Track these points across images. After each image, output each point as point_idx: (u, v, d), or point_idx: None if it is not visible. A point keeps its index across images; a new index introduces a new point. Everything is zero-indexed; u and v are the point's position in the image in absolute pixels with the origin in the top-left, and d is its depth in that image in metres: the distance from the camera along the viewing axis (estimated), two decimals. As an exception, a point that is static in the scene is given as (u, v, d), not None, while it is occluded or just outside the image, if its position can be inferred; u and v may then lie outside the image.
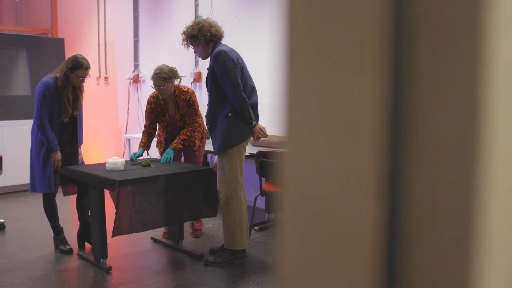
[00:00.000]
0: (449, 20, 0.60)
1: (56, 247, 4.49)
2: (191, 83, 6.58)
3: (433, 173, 0.63)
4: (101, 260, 4.01)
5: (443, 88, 0.62)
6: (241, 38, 5.73)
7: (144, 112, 4.80)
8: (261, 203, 5.38)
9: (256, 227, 5.08)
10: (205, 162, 5.94)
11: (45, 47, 7.13)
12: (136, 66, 7.67)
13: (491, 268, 0.63)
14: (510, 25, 0.60)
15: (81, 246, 4.50)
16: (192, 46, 4.06)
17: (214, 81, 3.87)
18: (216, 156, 4.05)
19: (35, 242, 4.73)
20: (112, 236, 3.72)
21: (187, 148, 4.65)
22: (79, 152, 4.56)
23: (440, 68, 0.61)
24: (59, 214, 4.54)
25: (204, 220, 5.11)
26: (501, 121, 0.61)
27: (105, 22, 8.18)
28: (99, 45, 8.29)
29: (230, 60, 3.79)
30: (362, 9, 0.63)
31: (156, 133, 4.82)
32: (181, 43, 4.10)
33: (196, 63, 6.65)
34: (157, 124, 4.71)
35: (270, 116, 4.85)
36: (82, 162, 4.61)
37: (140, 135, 4.96)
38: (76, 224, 4.67)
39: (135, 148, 4.60)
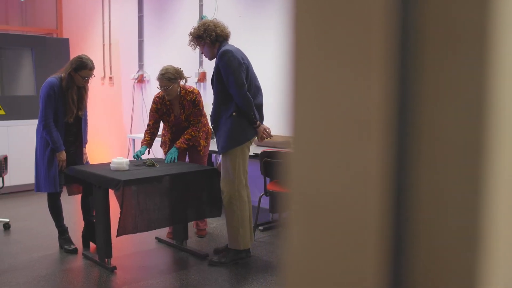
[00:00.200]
0: (455, 21, 0.60)
1: (61, 247, 4.51)
2: (196, 83, 6.58)
3: (440, 173, 0.62)
4: (106, 259, 4.02)
5: (449, 88, 0.61)
6: (245, 38, 5.73)
7: (148, 111, 4.81)
8: (265, 203, 5.38)
9: (261, 227, 5.08)
10: (210, 162, 5.94)
11: (50, 47, 7.15)
12: (140, 66, 7.68)
13: (497, 268, 0.62)
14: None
15: (85, 245, 4.51)
16: (199, 47, 4.08)
17: (219, 80, 3.87)
18: (220, 156, 4.05)
19: (40, 241, 4.74)
20: (117, 236, 3.72)
21: (192, 148, 4.65)
22: (84, 152, 4.57)
23: (446, 69, 0.61)
24: (64, 214, 4.55)
25: (208, 220, 5.11)
26: (507, 121, 0.60)
27: (109, 22, 8.19)
28: (103, 45, 8.31)
29: (236, 59, 3.80)
30: (368, 9, 0.63)
31: (161, 133, 4.83)
32: (188, 44, 4.12)
33: (201, 63, 6.66)
34: (160, 124, 4.71)
35: (274, 116, 4.85)
36: (87, 162, 4.62)
37: (144, 135, 4.95)
38: (81, 224, 4.68)
39: (140, 148, 4.59)
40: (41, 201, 4.94)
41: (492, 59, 0.58)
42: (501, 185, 0.61)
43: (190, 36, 4.07)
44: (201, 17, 6.53)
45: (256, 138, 4.04)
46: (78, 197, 4.62)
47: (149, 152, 4.60)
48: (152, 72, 7.33)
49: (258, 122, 3.95)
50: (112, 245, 4.04)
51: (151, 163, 4.33)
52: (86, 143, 4.60)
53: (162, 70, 4.44)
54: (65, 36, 8.75)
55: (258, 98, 3.99)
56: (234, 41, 4.14)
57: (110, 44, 8.22)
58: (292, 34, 0.72)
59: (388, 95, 0.62)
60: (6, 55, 7.18)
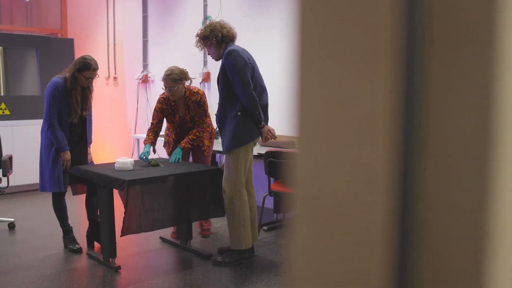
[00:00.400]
0: (462, 21, 0.60)
1: (66, 246, 4.52)
2: (200, 83, 6.59)
3: (446, 174, 0.62)
4: (110, 259, 4.02)
5: (455, 88, 0.61)
6: (249, 38, 5.73)
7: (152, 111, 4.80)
8: (269, 203, 5.37)
9: (265, 227, 5.08)
10: (214, 162, 5.94)
11: (55, 47, 7.17)
12: (145, 66, 7.69)
13: (503, 268, 0.62)
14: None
15: (90, 245, 4.52)
16: (205, 48, 4.09)
17: (225, 80, 3.88)
18: (224, 156, 4.06)
19: (44, 241, 4.75)
20: (121, 236, 3.73)
21: (196, 148, 4.66)
22: (88, 152, 4.58)
23: (453, 68, 0.61)
24: (68, 214, 4.56)
25: (212, 220, 5.12)
26: (513, 121, 0.60)
27: (114, 22, 8.21)
28: (108, 45, 8.32)
29: (241, 59, 3.81)
30: (374, 9, 0.63)
31: (165, 133, 4.83)
32: (195, 45, 4.14)
33: (205, 63, 6.66)
34: (163, 123, 4.71)
35: (279, 116, 4.85)
36: (91, 162, 4.63)
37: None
38: (85, 224, 4.69)
39: (143, 147, 4.57)
40: (46, 200, 4.96)
41: (499, 59, 0.58)
42: (507, 185, 0.61)
43: (197, 37, 4.08)
44: (205, 17, 6.53)
45: (260, 138, 4.04)
46: (83, 197, 4.63)
47: (154, 151, 4.59)
48: (157, 72, 7.33)
49: (263, 123, 3.96)
50: (117, 244, 4.05)
51: (156, 163, 4.33)
52: (90, 143, 4.61)
53: (167, 71, 4.44)
54: (69, 36, 8.77)
55: (264, 99, 3.99)
56: (239, 41, 4.14)
57: (114, 44, 8.23)
58: (298, 35, 0.72)
59: (394, 96, 0.62)
60: (11, 55, 7.20)
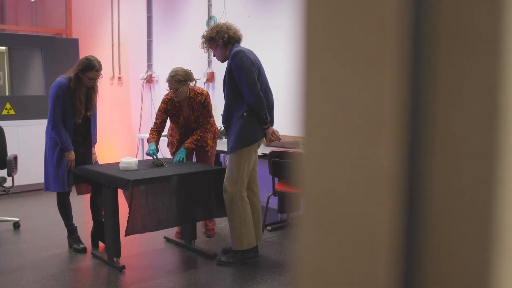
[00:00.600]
0: (469, 21, 0.60)
1: (70, 246, 4.53)
2: (204, 83, 6.59)
3: (453, 173, 0.62)
4: (115, 259, 4.03)
5: (462, 88, 0.61)
6: (254, 38, 5.73)
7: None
8: (273, 203, 5.37)
9: (269, 227, 5.08)
10: (218, 162, 5.95)
11: (59, 47, 7.19)
12: (149, 66, 7.70)
13: (511, 268, 0.62)
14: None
15: (94, 245, 4.53)
16: (211, 49, 4.10)
17: (232, 81, 3.89)
18: (228, 156, 4.06)
19: (49, 240, 4.77)
20: (126, 235, 3.74)
21: (200, 148, 4.66)
22: (93, 152, 4.59)
23: (459, 68, 0.61)
24: (73, 213, 4.58)
25: (217, 220, 5.12)
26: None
27: (118, 22, 8.22)
28: (112, 45, 8.34)
29: (248, 59, 3.83)
30: (381, 8, 0.63)
31: (168, 134, 4.83)
32: (201, 46, 4.15)
33: (209, 63, 6.66)
34: (166, 123, 4.71)
35: (283, 116, 4.85)
36: (96, 162, 4.64)
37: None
38: (90, 223, 4.70)
39: (148, 146, 4.56)
40: (51, 200, 4.97)
41: (506, 60, 0.58)
42: (514, 185, 0.61)
43: (203, 39, 4.09)
44: (209, 17, 6.54)
45: (264, 139, 4.05)
46: (87, 196, 4.64)
47: (157, 150, 4.59)
48: (161, 72, 7.35)
49: (268, 124, 3.97)
50: (121, 244, 4.06)
51: (160, 163, 4.34)
52: (95, 143, 4.62)
53: (171, 72, 4.44)
54: (74, 36, 8.80)
55: (269, 100, 4.00)
56: (243, 41, 4.14)
57: (119, 44, 8.25)
58: (303, 34, 0.72)
59: (401, 96, 0.62)
60: (16, 55, 7.23)
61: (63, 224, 4.58)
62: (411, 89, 0.62)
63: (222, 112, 4.05)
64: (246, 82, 3.80)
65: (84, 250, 4.43)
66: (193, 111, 4.56)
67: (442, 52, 0.62)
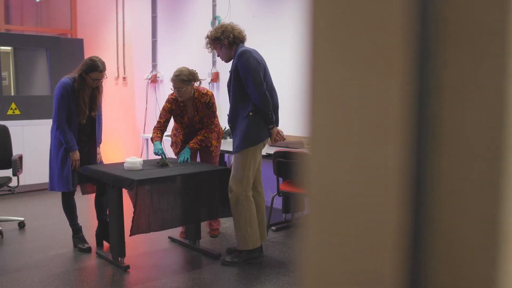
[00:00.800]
0: (476, 21, 0.59)
1: (75, 246, 4.54)
2: (209, 83, 6.60)
3: (459, 173, 0.62)
4: (119, 258, 4.04)
5: (469, 88, 0.61)
6: (258, 38, 5.73)
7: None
8: (278, 203, 5.37)
9: (273, 227, 5.08)
10: (222, 162, 5.95)
11: (64, 47, 7.21)
12: (154, 66, 7.71)
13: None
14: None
15: (99, 244, 4.54)
16: (215, 49, 4.10)
17: (237, 81, 3.90)
18: (233, 156, 4.06)
19: (54, 240, 4.78)
20: (130, 235, 3.74)
21: (204, 148, 4.66)
22: (97, 152, 4.60)
23: (466, 69, 0.61)
24: (78, 213, 4.58)
25: (221, 220, 5.12)
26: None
27: (123, 22, 8.24)
28: (117, 45, 8.35)
29: (254, 59, 3.84)
30: (388, 9, 0.63)
31: (172, 134, 4.84)
32: (205, 46, 4.15)
33: (214, 63, 6.67)
34: (169, 123, 4.70)
35: (288, 116, 4.84)
36: (101, 162, 4.65)
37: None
38: (95, 223, 4.71)
39: (153, 145, 4.55)
40: (56, 200, 4.99)
41: (512, 58, 0.58)
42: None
43: (207, 39, 4.09)
44: (214, 17, 6.54)
45: (269, 139, 4.05)
46: (92, 196, 4.65)
47: (164, 149, 4.59)
48: (166, 72, 7.35)
49: (274, 124, 3.98)
50: (126, 244, 4.06)
51: (164, 163, 4.34)
52: (100, 143, 4.63)
53: (176, 71, 4.45)
54: (79, 36, 8.82)
55: (274, 100, 4.01)
56: (248, 41, 4.15)
57: (123, 44, 8.27)
58: (309, 35, 0.72)
59: (408, 96, 0.62)
60: (21, 55, 7.25)
61: (68, 223, 4.59)
62: (418, 90, 0.61)
63: (227, 112, 4.05)
64: (253, 82, 3.81)
65: (88, 250, 4.44)
66: (197, 112, 4.56)
67: (449, 53, 0.61)
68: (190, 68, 4.51)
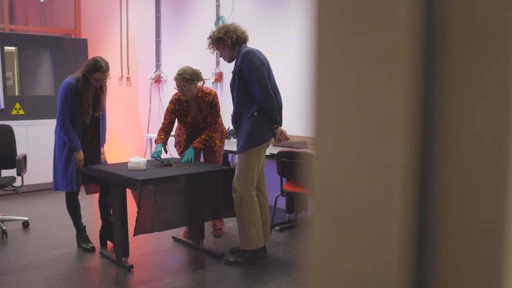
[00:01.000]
0: (480, 19, 0.59)
1: (79, 245, 4.54)
2: (213, 83, 6.60)
3: (465, 170, 0.62)
4: (123, 258, 4.04)
5: (474, 86, 0.60)
6: (262, 38, 5.73)
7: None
8: (281, 203, 5.37)
9: (277, 227, 5.07)
10: (226, 162, 5.95)
11: (68, 47, 7.22)
12: (158, 66, 7.72)
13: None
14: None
15: (103, 244, 4.55)
16: (218, 50, 4.10)
17: (241, 81, 3.89)
18: (237, 156, 4.06)
19: (58, 240, 4.79)
20: (134, 235, 3.74)
21: (208, 148, 4.66)
22: (101, 152, 4.61)
23: (472, 66, 0.60)
24: (81, 213, 4.59)
25: (225, 220, 5.12)
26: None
27: (127, 22, 8.25)
28: (121, 45, 8.37)
29: (258, 59, 3.84)
30: (393, 7, 0.62)
31: (175, 134, 4.84)
32: (207, 47, 4.15)
33: (218, 63, 6.67)
34: (175, 123, 4.71)
35: (292, 116, 4.84)
36: (105, 162, 4.65)
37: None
38: (99, 223, 4.71)
39: (155, 147, 4.57)
40: (60, 200, 5.00)
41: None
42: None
43: (210, 39, 4.09)
44: (218, 17, 6.54)
45: (273, 139, 4.05)
46: (96, 196, 4.66)
47: (166, 151, 4.60)
48: (169, 72, 7.36)
49: (278, 124, 3.98)
50: (129, 244, 4.06)
51: (168, 163, 4.34)
52: (104, 142, 4.63)
53: (179, 70, 4.45)
54: (83, 36, 8.84)
55: (277, 100, 4.01)
56: (251, 41, 4.15)
57: (127, 45, 8.28)
58: (314, 34, 0.71)
59: (413, 95, 0.62)
60: (26, 55, 7.27)
61: (71, 223, 4.60)
62: (424, 88, 0.61)
63: (231, 112, 4.05)
64: (257, 83, 3.81)
65: (92, 250, 4.44)
66: (201, 111, 4.56)
67: (455, 51, 0.61)
68: (194, 68, 4.52)
